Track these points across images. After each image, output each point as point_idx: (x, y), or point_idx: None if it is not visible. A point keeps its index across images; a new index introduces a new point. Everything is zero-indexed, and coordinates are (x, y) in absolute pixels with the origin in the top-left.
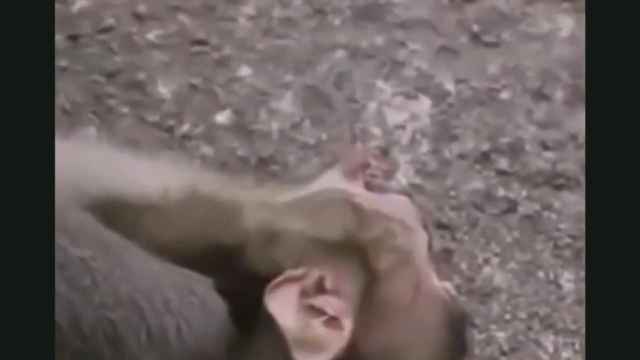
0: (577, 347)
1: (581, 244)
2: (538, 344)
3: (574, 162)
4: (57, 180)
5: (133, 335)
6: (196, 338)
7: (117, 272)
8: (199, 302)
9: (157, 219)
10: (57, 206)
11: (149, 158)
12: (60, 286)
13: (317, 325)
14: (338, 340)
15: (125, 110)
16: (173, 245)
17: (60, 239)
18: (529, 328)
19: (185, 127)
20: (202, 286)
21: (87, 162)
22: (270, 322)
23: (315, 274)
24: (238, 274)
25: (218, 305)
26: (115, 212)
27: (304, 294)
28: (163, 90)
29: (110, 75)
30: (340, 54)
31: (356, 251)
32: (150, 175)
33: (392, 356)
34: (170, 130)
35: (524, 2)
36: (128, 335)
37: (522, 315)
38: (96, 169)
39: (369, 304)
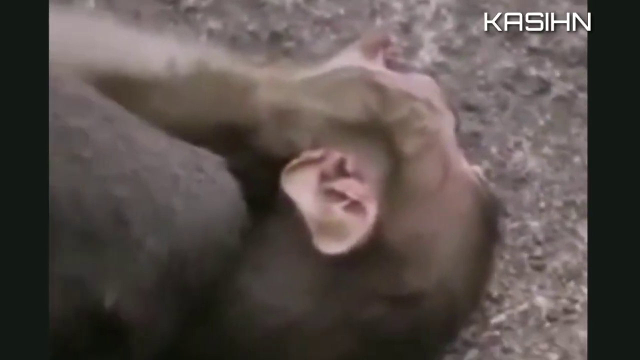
0: None
1: None
2: (574, 233)
3: None
4: (55, 53)
5: (138, 213)
6: (206, 218)
7: (121, 146)
8: (208, 180)
9: (164, 96)
10: (55, 75)
11: (151, 32)
12: (56, 158)
13: (338, 210)
14: (362, 225)
15: None
16: (181, 123)
17: (56, 107)
18: (565, 217)
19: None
20: (212, 163)
21: (87, 35)
22: (287, 206)
23: (335, 155)
24: (251, 155)
25: (229, 184)
26: (119, 88)
27: (323, 177)
28: None
29: None
30: None
31: (380, 133)
32: (155, 50)
33: (420, 244)
34: (174, 2)
35: None
36: (132, 214)
37: (558, 203)
38: (98, 42)
39: (395, 188)
